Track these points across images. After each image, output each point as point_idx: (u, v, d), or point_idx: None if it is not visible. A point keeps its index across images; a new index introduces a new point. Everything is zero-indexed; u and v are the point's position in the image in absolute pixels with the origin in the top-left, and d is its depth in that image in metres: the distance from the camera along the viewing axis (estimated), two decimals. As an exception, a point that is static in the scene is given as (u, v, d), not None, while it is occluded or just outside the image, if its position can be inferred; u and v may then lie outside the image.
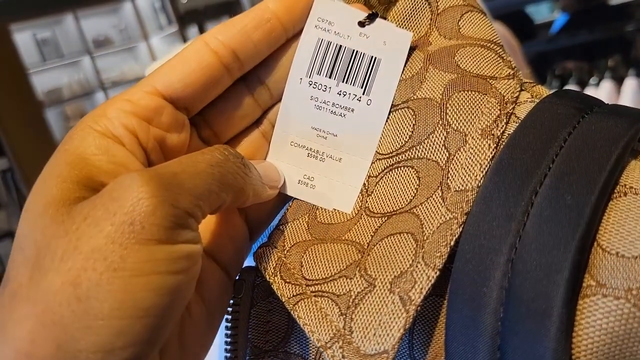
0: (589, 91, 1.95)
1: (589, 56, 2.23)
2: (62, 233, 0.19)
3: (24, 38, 5.11)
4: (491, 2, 2.51)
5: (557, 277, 0.18)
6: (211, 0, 5.66)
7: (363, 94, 0.27)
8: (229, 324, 0.27)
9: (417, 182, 0.24)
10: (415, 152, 0.25)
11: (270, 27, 0.25)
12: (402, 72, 0.27)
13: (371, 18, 0.27)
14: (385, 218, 0.25)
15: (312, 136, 0.28)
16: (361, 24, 0.27)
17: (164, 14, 5.47)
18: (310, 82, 0.27)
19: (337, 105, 0.27)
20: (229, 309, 0.27)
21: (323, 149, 0.28)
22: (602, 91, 1.91)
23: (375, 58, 0.27)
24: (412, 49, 0.28)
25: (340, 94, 0.27)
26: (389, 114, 0.27)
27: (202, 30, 5.40)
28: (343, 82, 0.27)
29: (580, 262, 0.18)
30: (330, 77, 0.27)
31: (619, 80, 1.93)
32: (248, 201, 0.24)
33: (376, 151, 0.27)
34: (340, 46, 0.27)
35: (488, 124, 0.24)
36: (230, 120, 0.27)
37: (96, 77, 5.42)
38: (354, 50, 0.27)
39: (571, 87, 2.00)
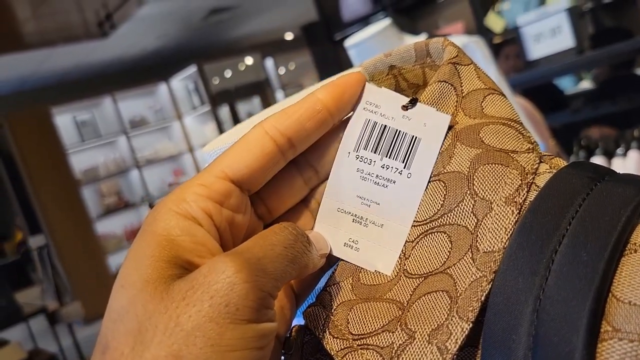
0: (616, 161, 1.96)
1: (614, 126, 2.24)
2: (162, 309, 0.21)
3: (65, 120, 5.29)
4: (514, 77, 2.57)
5: (577, 323, 0.20)
6: (241, 81, 5.86)
7: (404, 168, 0.30)
8: None
9: (450, 246, 0.27)
10: (446, 219, 0.28)
11: (320, 117, 0.29)
12: None
13: (413, 102, 0.30)
14: (422, 279, 0.27)
15: (357, 204, 0.31)
16: (404, 108, 0.30)
17: (197, 95, 5.65)
18: (357, 156, 0.30)
19: (380, 177, 0.30)
20: None
21: (367, 215, 0.31)
22: (629, 161, 1.92)
23: (416, 137, 0.30)
24: None
25: (383, 167, 0.30)
26: None
27: (232, 109, 5.56)
28: (387, 157, 0.30)
29: (597, 311, 0.20)
30: (375, 152, 0.30)
31: (645, 150, 1.95)
32: (307, 273, 0.27)
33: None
34: (385, 126, 0.30)
35: (511, 193, 0.26)
36: (282, 198, 0.31)
37: (131, 156, 5.56)
38: (397, 130, 0.30)
39: (598, 157, 2.01)
